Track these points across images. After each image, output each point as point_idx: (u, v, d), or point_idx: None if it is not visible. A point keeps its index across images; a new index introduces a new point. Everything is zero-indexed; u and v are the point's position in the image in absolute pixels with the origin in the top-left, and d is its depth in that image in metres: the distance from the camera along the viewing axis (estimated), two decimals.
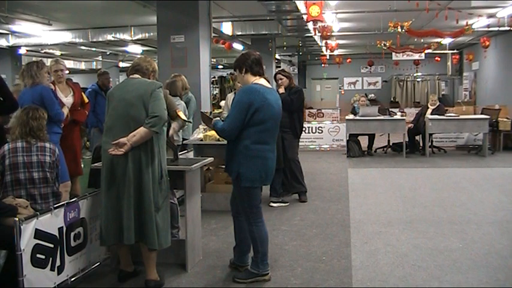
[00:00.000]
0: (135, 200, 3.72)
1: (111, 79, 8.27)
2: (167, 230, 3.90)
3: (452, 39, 15.05)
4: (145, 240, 3.76)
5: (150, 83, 3.85)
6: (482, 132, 10.58)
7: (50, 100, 4.96)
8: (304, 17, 9.62)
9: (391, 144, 11.51)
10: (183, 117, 4.75)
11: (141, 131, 3.65)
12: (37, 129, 4.05)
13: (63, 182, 4.23)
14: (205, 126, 6.20)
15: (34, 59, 17.42)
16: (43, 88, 5.03)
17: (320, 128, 12.37)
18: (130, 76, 3.95)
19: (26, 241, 3.19)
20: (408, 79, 24.60)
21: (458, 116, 10.87)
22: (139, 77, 3.92)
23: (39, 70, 5.08)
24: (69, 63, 22.60)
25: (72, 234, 3.74)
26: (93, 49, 17.10)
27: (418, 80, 24.49)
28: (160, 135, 3.83)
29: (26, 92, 5.06)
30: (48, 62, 20.05)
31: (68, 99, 5.62)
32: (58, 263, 3.54)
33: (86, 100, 6.09)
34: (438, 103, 11.13)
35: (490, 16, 11.45)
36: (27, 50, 16.12)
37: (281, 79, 6.55)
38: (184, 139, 6.36)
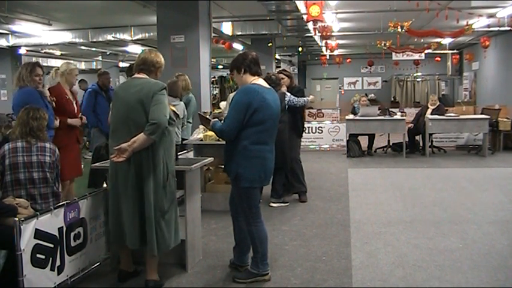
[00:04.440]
0: (138, 205, 3.68)
1: (111, 79, 8.26)
2: (172, 232, 3.83)
3: (452, 39, 15.04)
4: (147, 245, 3.73)
5: (153, 85, 3.71)
6: (482, 132, 10.58)
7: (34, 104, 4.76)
8: (304, 17, 9.62)
9: (391, 144, 11.51)
10: (173, 109, 4.68)
11: (141, 137, 3.57)
12: (37, 129, 4.05)
13: None
14: None
15: (34, 59, 17.47)
16: (26, 92, 4.91)
17: (320, 128, 12.37)
18: (135, 75, 3.83)
19: (26, 241, 3.19)
20: (408, 79, 24.59)
21: (458, 116, 10.88)
22: (145, 76, 3.79)
23: (27, 73, 4.95)
24: None
25: (72, 234, 3.75)
26: (93, 49, 17.09)
27: (418, 80, 24.49)
28: (166, 136, 3.72)
29: (16, 93, 5.05)
30: (48, 62, 19.89)
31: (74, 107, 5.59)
32: (58, 263, 3.54)
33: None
34: (438, 103, 11.14)
35: (490, 16, 11.45)
36: (27, 50, 16.11)
37: (282, 78, 6.57)
38: (183, 139, 6.37)
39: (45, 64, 18.80)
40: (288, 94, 6.36)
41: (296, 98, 6.37)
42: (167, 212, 3.76)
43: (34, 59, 17.49)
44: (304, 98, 6.51)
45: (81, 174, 5.66)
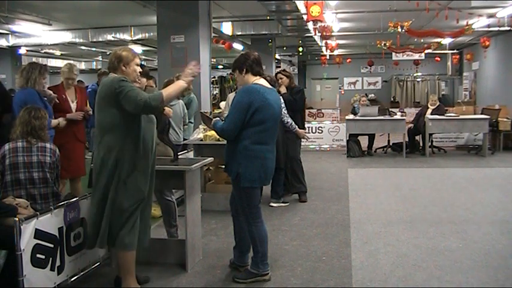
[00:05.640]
0: (100, 203, 3.57)
1: None
2: (132, 234, 3.59)
3: (452, 39, 15.04)
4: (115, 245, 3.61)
5: (110, 83, 3.52)
6: (482, 132, 10.58)
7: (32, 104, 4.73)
8: (304, 17, 9.62)
9: (391, 144, 11.51)
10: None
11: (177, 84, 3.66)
12: (39, 128, 4.06)
13: None
14: (205, 127, 6.21)
15: (34, 59, 17.52)
16: (27, 93, 4.95)
17: (320, 128, 12.38)
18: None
19: (26, 241, 3.19)
20: (408, 79, 24.60)
21: (458, 116, 10.88)
22: (112, 75, 3.63)
23: (39, 76, 5.02)
24: None
25: (72, 234, 3.74)
26: (93, 49, 17.09)
27: (418, 80, 24.49)
28: (125, 131, 3.51)
29: (18, 93, 5.08)
30: (49, 62, 19.81)
31: (73, 105, 5.62)
32: (58, 263, 3.54)
33: (89, 109, 5.78)
34: (438, 103, 11.14)
35: (490, 16, 11.45)
36: (27, 50, 16.12)
37: (281, 78, 6.58)
38: (184, 139, 6.37)
39: (45, 64, 18.81)
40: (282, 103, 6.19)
41: (287, 113, 6.18)
42: (126, 211, 3.54)
43: (34, 59, 17.55)
44: (294, 125, 6.23)
45: (84, 174, 5.67)
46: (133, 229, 3.59)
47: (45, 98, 5.18)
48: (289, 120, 6.21)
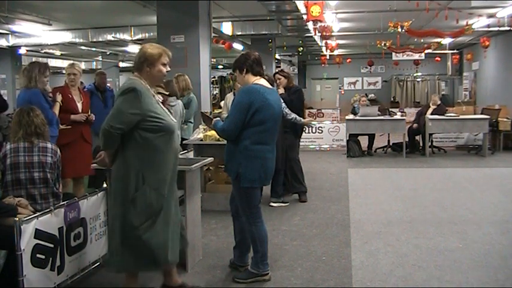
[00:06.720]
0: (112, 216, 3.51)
1: (109, 79, 8.27)
2: (150, 253, 3.36)
3: (452, 39, 15.04)
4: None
5: (126, 86, 3.32)
6: (482, 132, 10.58)
7: (37, 105, 4.58)
8: (304, 17, 9.62)
9: (391, 144, 11.52)
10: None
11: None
12: (41, 124, 4.06)
13: None
14: (205, 126, 6.21)
15: (34, 59, 17.57)
16: (32, 93, 5.00)
17: (320, 128, 12.38)
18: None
19: (26, 241, 3.19)
20: (408, 79, 24.62)
21: (458, 116, 10.88)
22: (134, 77, 3.40)
23: (40, 74, 5.06)
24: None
25: (72, 234, 3.74)
26: (93, 49, 17.09)
27: (418, 80, 24.51)
28: (139, 142, 3.29)
29: (21, 93, 5.09)
30: (49, 62, 19.93)
31: (79, 105, 5.67)
32: (58, 263, 3.54)
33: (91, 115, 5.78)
34: (439, 102, 11.15)
35: (490, 16, 11.46)
36: (27, 50, 16.12)
37: (279, 79, 6.57)
38: (184, 139, 6.36)
39: (45, 62, 18.80)
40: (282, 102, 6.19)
41: (289, 110, 6.19)
42: (139, 228, 3.29)
43: (34, 59, 17.54)
44: (298, 117, 6.26)
45: (89, 173, 5.64)
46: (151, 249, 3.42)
47: (50, 98, 5.21)
48: (293, 115, 6.21)
